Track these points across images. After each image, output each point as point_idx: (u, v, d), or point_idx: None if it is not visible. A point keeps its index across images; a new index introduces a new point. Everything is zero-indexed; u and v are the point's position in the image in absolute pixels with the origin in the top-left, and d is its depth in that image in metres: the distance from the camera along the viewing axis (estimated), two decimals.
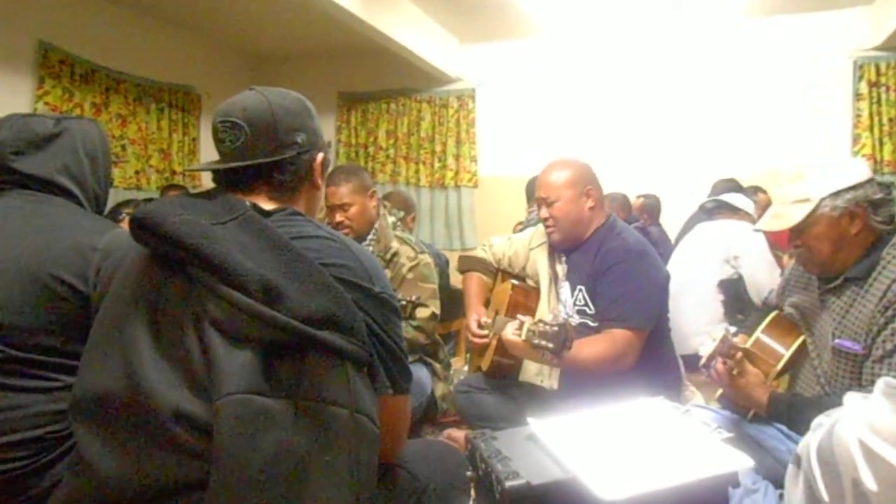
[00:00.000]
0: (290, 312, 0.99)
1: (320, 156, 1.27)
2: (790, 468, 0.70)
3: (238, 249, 1.02)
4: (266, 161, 1.18)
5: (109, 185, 1.76)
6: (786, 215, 1.67)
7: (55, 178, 1.55)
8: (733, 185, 4.15)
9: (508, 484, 1.02)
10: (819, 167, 1.69)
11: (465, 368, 3.10)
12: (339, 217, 2.60)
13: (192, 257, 1.01)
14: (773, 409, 1.65)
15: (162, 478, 0.99)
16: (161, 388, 0.99)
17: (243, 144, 1.18)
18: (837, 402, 1.62)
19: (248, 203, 1.15)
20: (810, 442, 0.68)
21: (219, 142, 1.21)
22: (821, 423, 0.68)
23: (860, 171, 1.65)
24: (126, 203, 3.36)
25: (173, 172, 5.87)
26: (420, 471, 1.29)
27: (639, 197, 5.14)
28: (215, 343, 0.98)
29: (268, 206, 1.19)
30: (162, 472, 0.99)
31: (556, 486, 1.02)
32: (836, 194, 1.60)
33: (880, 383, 0.64)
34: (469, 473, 1.16)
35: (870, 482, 0.57)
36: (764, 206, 3.61)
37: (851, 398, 0.68)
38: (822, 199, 1.60)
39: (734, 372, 1.65)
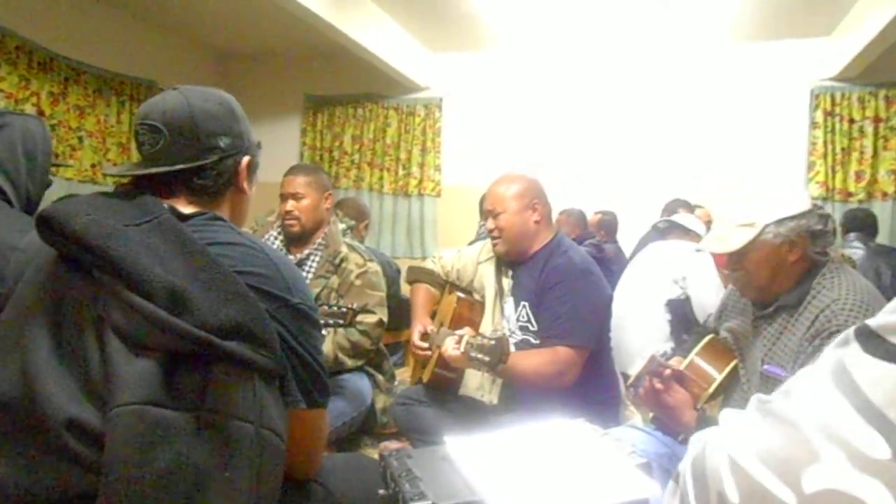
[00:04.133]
0: (197, 321, 0.96)
1: (246, 159, 1.24)
2: (669, 485, 0.71)
3: (147, 253, 0.99)
4: (185, 167, 1.15)
5: (47, 186, 1.71)
6: (729, 238, 1.68)
7: None
8: (681, 203, 4.21)
9: None
10: (764, 192, 1.71)
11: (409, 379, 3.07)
12: (289, 206, 2.59)
13: (98, 259, 0.98)
14: (700, 431, 1.66)
15: (53, 488, 0.95)
16: (56, 396, 0.95)
17: (162, 148, 1.15)
18: None
19: (165, 206, 1.11)
20: (686, 459, 0.68)
21: (139, 144, 1.17)
22: (697, 440, 0.69)
23: (803, 200, 1.68)
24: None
25: None
26: (336, 486, 1.26)
27: (596, 213, 5.18)
28: (115, 350, 0.94)
29: (187, 209, 1.15)
30: (53, 482, 0.95)
31: None
32: (780, 222, 1.61)
33: (753, 399, 0.65)
34: (381, 492, 1.14)
35: (732, 494, 0.58)
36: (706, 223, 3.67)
37: (726, 414, 0.69)
38: (767, 226, 1.62)
39: (658, 386, 1.65)
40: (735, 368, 1.82)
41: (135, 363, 0.93)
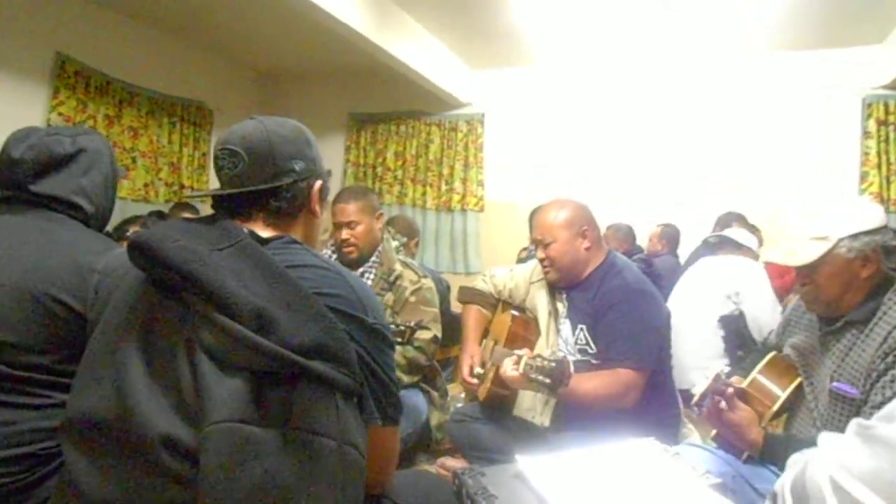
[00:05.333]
0: (282, 341, 0.99)
1: (318, 183, 1.28)
2: None
3: (233, 277, 1.03)
4: (263, 188, 1.19)
5: (114, 199, 1.78)
6: (801, 252, 1.65)
7: (71, 198, 1.57)
8: (735, 217, 4.15)
9: None
10: (838, 207, 1.69)
11: (463, 395, 3.08)
12: (345, 234, 2.61)
13: (188, 283, 1.02)
14: (767, 449, 1.64)
15: (147, 502, 0.98)
16: (150, 414, 0.99)
17: (241, 172, 1.19)
18: None
19: (245, 230, 1.16)
20: (785, 479, 0.69)
21: (218, 169, 1.22)
22: (796, 461, 0.70)
23: (878, 215, 1.65)
24: (133, 219, 3.37)
25: (182, 186, 5.92)
26: (408, 503, 1.28)
27: (658, 225, 5.12)
28: (206, 370, 0.98)
29: (265, 233, 1.20)
30: (148, 496, 0.98)
31: None
32: (855, 236, 1.59)
33: (853, 424, 0.66)
34: None
35: None
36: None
37: (825, 437, 0.70)
38: (841, 240, 1.60)
39: (721, 406, 1.64)
40: (799, 386, 1.79)
41: (225, 382, 0.97)
